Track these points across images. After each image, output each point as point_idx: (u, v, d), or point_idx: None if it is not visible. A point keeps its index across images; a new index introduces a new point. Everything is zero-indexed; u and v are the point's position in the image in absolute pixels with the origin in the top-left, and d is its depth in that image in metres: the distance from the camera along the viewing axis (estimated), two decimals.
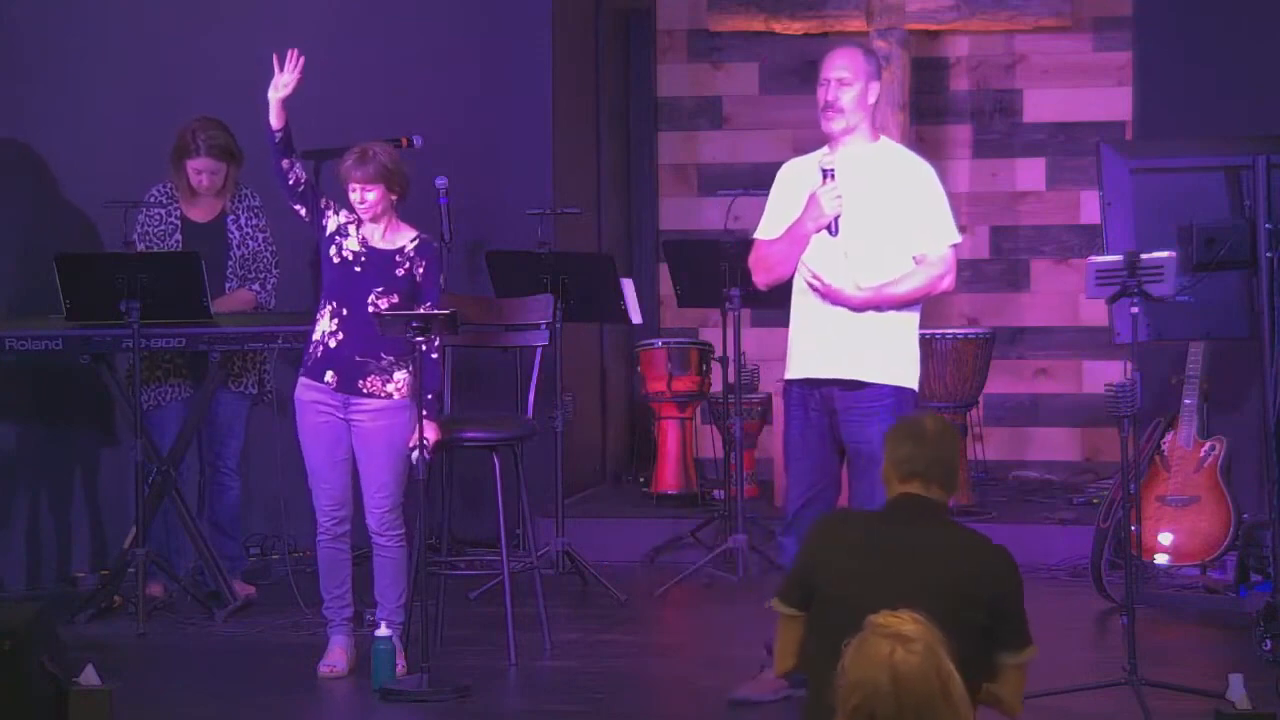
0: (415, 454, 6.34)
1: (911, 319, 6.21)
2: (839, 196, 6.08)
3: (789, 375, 6.26)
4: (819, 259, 6.13)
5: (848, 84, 6.17)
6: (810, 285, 6.13)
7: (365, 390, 6.50)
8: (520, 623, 6.80)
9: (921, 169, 6.29)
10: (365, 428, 6.51)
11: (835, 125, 6.18)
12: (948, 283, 6.24)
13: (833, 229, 6.10)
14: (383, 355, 6.48)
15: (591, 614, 7.63)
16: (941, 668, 3.31)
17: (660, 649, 7.30)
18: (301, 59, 6.48)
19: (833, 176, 6.10)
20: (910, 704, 3.26)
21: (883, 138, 6.35)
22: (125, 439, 8.20)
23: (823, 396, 6.15)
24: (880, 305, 6.11)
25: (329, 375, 6.50)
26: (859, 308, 6.10)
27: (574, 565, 7.99)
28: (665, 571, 8.22)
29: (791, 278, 6.25)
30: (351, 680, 6.57)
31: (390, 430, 6.47)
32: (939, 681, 3.29)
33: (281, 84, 6.47)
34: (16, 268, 8.23)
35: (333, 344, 6.51)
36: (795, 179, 6.30)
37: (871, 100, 6.22)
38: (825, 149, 6.21)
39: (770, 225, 6.32)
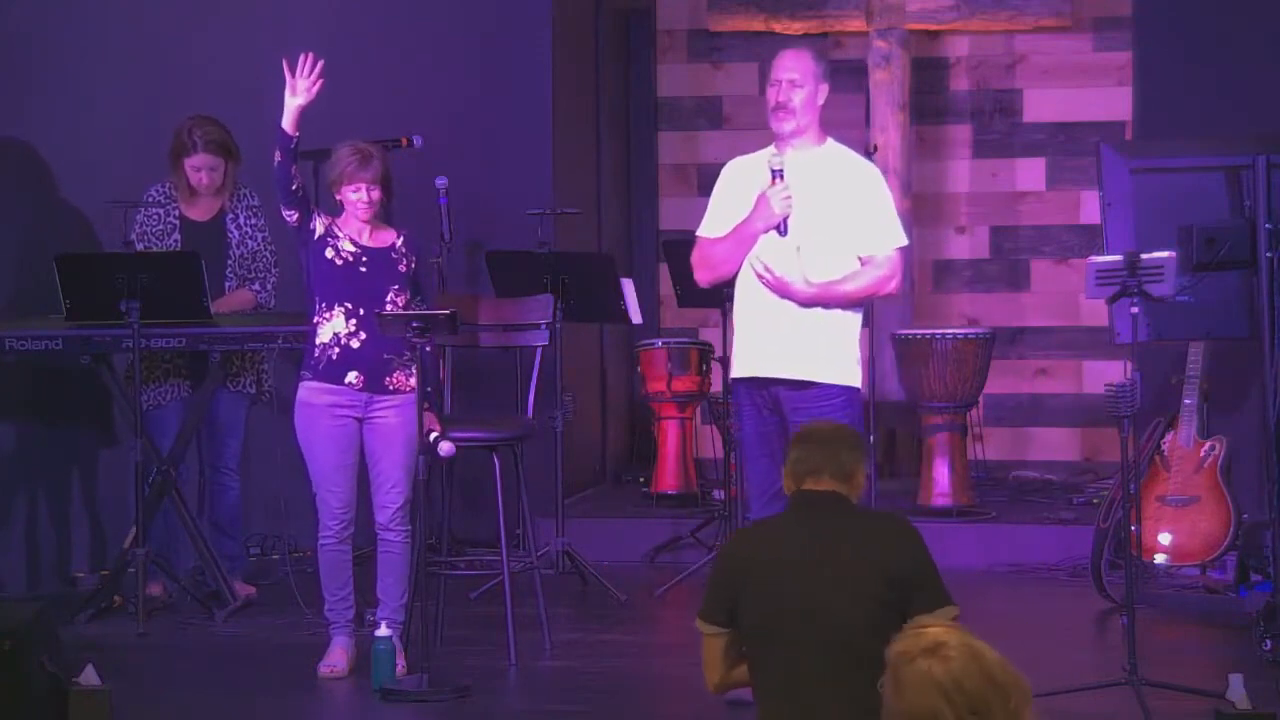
0: (445, 445, 6.35)
1: (855, 319, 6.22)
2: (788, 197, 6.09)
3: (735, 374, 6.28)
4: (770, 256, 6.13)
5: (799, 85, 6.19)
6: (759, 276, 6.13)
7: (391, 386, 6.51)
8: (520, 623, 6.80)
9: (868, 171, 6.32)
10: (389, 423, 6.51)
11: (786, 126, 6.19)
12: (894, 285, 6.25)
13: (781, 229, 6.11)
14: (405, 351, 6.49)
15: (591, 614, 7.63)
16: (981, 658, 3.31)
17: (660, 649, 7.30)
18: (320, 63, 6.42)
19: (782, 177, 6.11)
20: (968, 710, 3.27)
21: (829, 140, 6.34)
22: (125, 439, 8.20)
23: (771, 396, 6.16)
24: (827, 302, 6.12)
25: (352, 376, 6.49)
26: (805, 303, 6.10)
27: (574, 565, 7.99)
28: (665, 571, 8.22)
29: (735, 277, 6.26)
30: (351, 680, 6.57)
31: (409, 425, 6.46)
32: (982, 674, 3.29)
33: (302, 89, 6.39)
34: (16, 268, 8.23)
35: (355, 344, 6.49)
36: (740, 177, 6.31)
37: (820, 102, 6.24)
38: (772, 149, 6.22)
39: (714, 223, 6.33)
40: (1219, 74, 8.15)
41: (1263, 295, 6.40)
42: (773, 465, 6.20)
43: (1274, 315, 6.41)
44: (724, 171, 6.42)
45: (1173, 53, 8.35)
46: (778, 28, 9.72)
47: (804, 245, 6.11)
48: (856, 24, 9.60)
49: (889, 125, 9.51)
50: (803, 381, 6.11)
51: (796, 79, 6.19)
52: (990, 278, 10.13)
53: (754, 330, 6.21)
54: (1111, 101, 9.73)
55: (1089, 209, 9.64)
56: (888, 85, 9.52)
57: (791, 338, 6.12)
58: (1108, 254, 6.29)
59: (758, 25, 9.78)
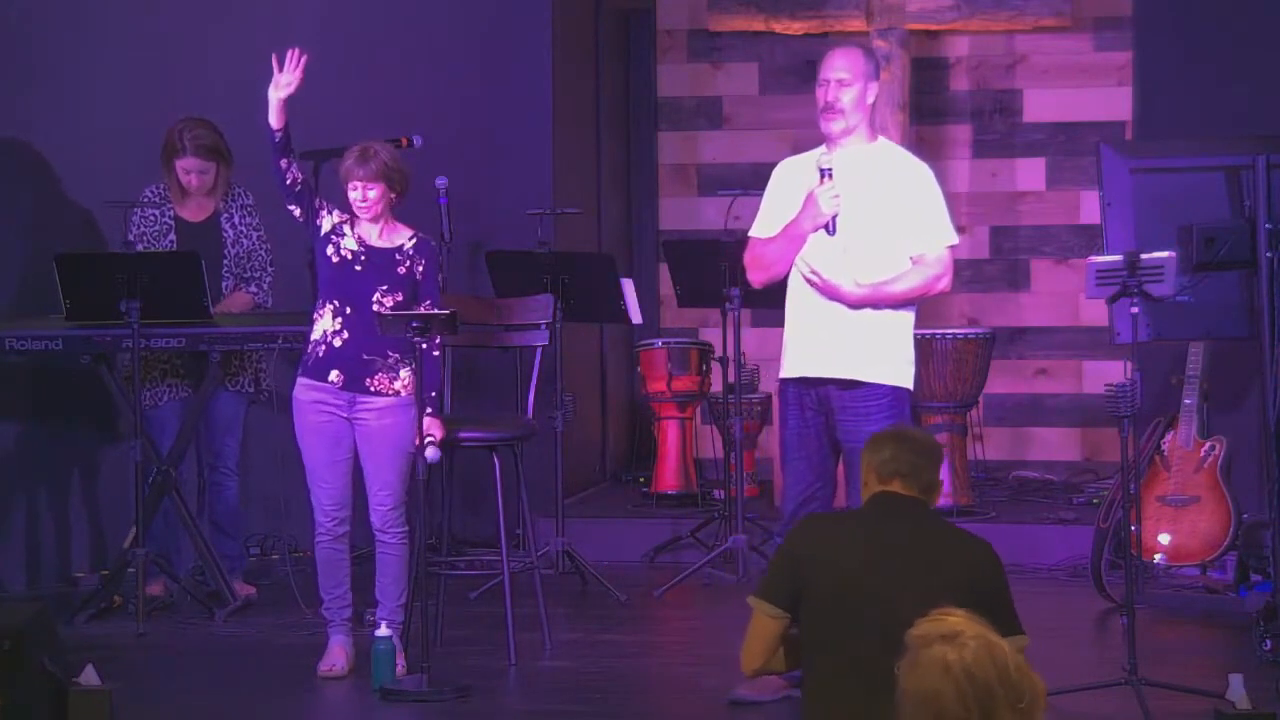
0: (430, 451, 6.35)
1: (907, 319, 6.21)
2: (837, 196, 6.08)
3: (784, 374, 6.27)
4: (818, 256, 6.14)
5: (847, 84, 6.17)
6: (808, 280, 6.13)
7: (373, 388, 6.50)
8: (520, 623, 6.80)
9: (919, 170, 6.30)
10: (371, 426, 6.51)
11: (835, 126, 6.18)
12: (944, 284, 6.24)
13: (830, 228, 6.11)
14: (389, 353, 6.48)
15: (591, 614, 7.63)
16: (995, 651, 3.30)
17: (660, 649, 7.30)
18: (304, 58, 6.45)
19: (830, 176, 6.10)
20: (974, 698, 3.26)
21: (880, 138, 6.35)
22: (126, 438, 8.19)
23: (819, 396, 6.16)
24: (877, 303, 6.12)
25: (334, 374, 6.49)
26: (855, 305, 6.10)
27: (574, 565, 7.99)
28: (665, 571, 8.22)
29: (787, 276, 6.25)
30: (351, 680, 6.57)
31: (396, 428, 6.47)
32: (994, 666, 3.29)
33: (283, 83, 6.43)
34: (16, 268, 8.22)
35: (337, 343, 6.50)
36: (791, 177, 6.30)
37: (870, 100, 6.22)
38: (823, 148, 6.21)
39: (766, 223, 6.33)
40: (1219, 74, 8.15)
41: (1263, 295, 6.40)
42: (809, 469, 6.20)
43: (1274, 315, 6.41)
44: (775, 171, 6.42)
45: (1173, 53, 8.35)
46: (778, 28, 9.72)
47: (853, 245, 6.10)
48: (856, 24, 9.59)
49: (889, 125, 9.49)
50: (851, 381, 6.11)
51: (846, 78, 6.17)
52: (990, 278, 10.13)
53: (804, 330, 6.20)
54: (1111, 101, 9.74)
55: (1089, 209, 9.64)
56: (888, 85, 9.47)
57: (841, 338, 6.11)
58: (1108, 254, 6.28)
59: (758, 25, 9.78)
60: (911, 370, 6.23)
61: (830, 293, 6.10)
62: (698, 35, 10.31)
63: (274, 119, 6.44)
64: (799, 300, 6.23)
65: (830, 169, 6.10)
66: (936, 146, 10.06)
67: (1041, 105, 10.02)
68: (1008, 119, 10.07)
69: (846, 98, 6.17)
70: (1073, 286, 9.69)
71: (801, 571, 4.47)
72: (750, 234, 6.40)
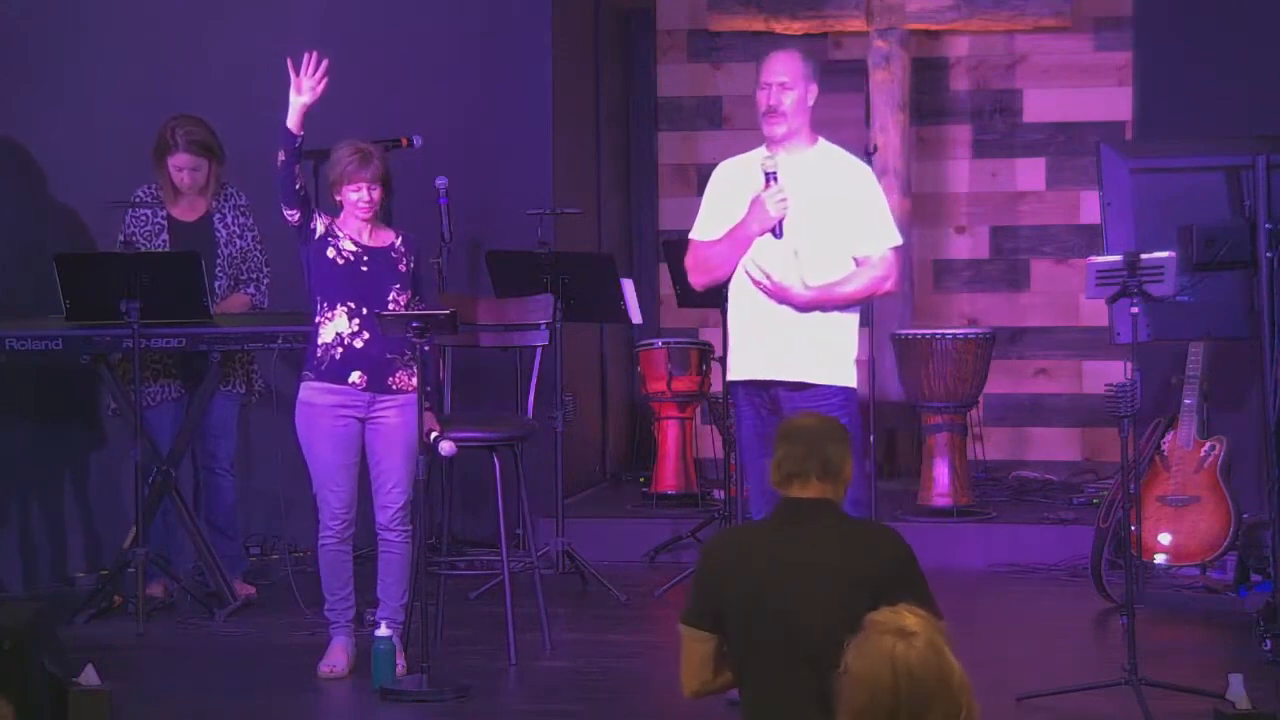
0: (445, 445, 6.36)
1: (852, 320, 6.21)
2: (783, 199, 6.08)
3: (733, 376, 6.28)
4: (767, 259, 6.13)
5: (789, 88, 6.18)
6: (757, 283, 6.13)
7: (394, 386, 6.52)
8: (520, 623, 6.80)
9: (861, 171, 6.30)
10: (390, 423, 6.52)
11: (778, 130, 6.18)
12: (890, 284, 6.24)
13: (777, 231, 6.11)
14: (405, 350, 6.49)
15: (591, 614, 7.63)
16: (943, 659, 3.34)
17: (660, 649, 7.29)
18: (325, 62, 6.42)
19: (776, 179, 6.10)
20: (908, 695, 3.30)
21: (820, 140, 6.32)
22: (111, 439, 8.20)
23: (770, 397, 6.16)
24: (825, 305, 6.12)
25: (356, 376, 6.49)
26: (803, 307, 6.10)
27: (574, 565, 7.99)
28: (665, 571, 8.22)
29: (729, 280, 6.25)
30: (351, 680, 6.57)
31: (410, 425, 6.46)
32: (938, 673, 3.32)
33: (307, 88, 6.38)
34: (16, 268, 8.22)
35: (358, 344, 6.49)
36: (733, 179, 6.30)
37: (810, 103, 6.23)
38: (763, 150, 6.21)
39: (707, 226, 6.31)
40: (1219, 74, 8.15)
41: (1263, 295, 6.40)
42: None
43: (1274, 315, 6.41)
44: (715, 173, 6.41)
45: (1173, 53, 8.35)
46: (778, 28, 9.72)
47: (801, 248, 6.11)
48: (856, 24, 9.60)
49: (889, 125, 9.52)
50: (801, 383, 6.11)
51: (786, 81, 6.18)
52: (990, 278, 10.13)
53: (751, 333, 6.20)
54: (1111, 101, 9.74)
55: (1089, 209, 9.64)
56: (888, 85, 9.53)
57: (788, 340, 6.11)
58: (1108, 254, 6.29)
59: (758, 25, 9.78)
60: (855, 371, 6.23)
61: (779, 295, 6.10)
62: (698, 35, 10.31)
63: (294, 124, 6.41)
64: (744, 302, 6.22)
65: (775, 172, 6.10)
66: (936, 146, 10.07)
67: (1041, 105, 10.03)
68: (1008, 119, 10.08)
69: (788, 101, 6.17)
70: (1073, 286, 9.70)
71: (717, 590, 4.51)
72: (691, 236, 6.38)
